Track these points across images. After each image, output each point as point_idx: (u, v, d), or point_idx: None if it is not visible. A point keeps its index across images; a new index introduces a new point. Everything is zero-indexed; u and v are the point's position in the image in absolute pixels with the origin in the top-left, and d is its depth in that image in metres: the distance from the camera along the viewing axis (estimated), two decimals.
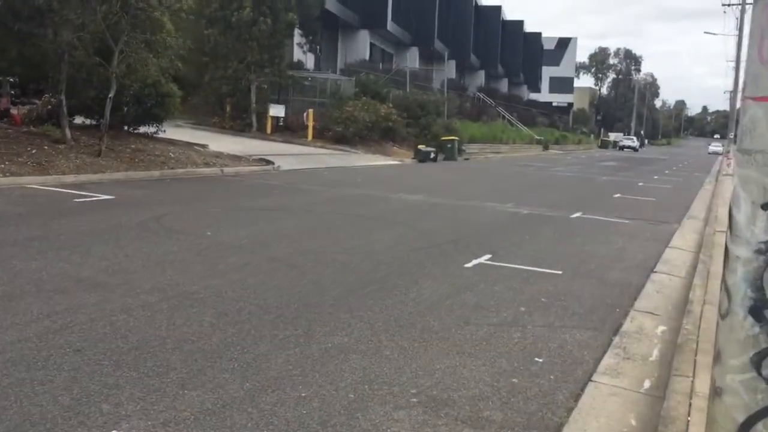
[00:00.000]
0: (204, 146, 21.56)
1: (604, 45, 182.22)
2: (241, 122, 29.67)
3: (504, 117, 60.55)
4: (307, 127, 29.87)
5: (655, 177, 30.67)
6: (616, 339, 5.71)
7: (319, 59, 42.25)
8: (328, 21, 41.97)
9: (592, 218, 13.75)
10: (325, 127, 30.09)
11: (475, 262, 8.40)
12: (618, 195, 19.77)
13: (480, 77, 69.27)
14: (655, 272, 8.75)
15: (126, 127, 19.74)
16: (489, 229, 11.40)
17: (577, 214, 14.14)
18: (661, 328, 6.17)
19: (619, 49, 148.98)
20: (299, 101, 32.16)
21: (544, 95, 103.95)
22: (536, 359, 5.06)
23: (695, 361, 4.92)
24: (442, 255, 8.71)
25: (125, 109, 18.91)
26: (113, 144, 17.53)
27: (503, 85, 75.57)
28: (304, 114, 29.91)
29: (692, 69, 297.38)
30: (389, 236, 9.87)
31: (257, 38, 27.90)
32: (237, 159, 20.65)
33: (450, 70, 60.84)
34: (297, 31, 34.98)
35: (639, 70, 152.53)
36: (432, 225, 11.21)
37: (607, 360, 5.17)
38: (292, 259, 7.76)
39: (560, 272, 8.21)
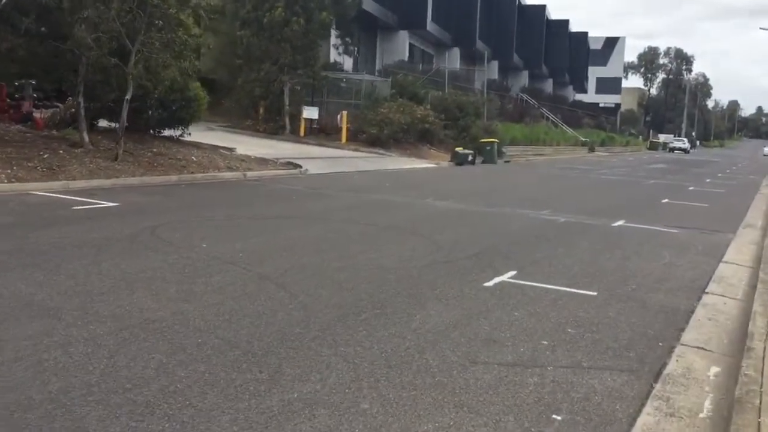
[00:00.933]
0: (231, 149, 20.89)
1: (653, 45, 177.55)
2: (274, 125, 29.02)
3: (548, 118, 58.93)
4: (341, 129, 29.06)
5: (707, 180, 29.04)
6: (658, 386, 4.64)
7: (357, 61, 41.47)
8: (366, 22, 41.22)
9: (636, 227, 12.55)
10: (360, 129, 29.25)
11: (496, 280, 7.38)
12: (666, 200, 18.43)
13: (523, 78, 67.70)
14: (707, 293, 7.60)
15: (151, 131, 19.21)
16: (518, 240, 10.34)
17: (620, 223, 12.96)
18: (715, 369, 5.07)
19: (669, 49, 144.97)
20: (334, 103, 31.40)
21: (591, 96, 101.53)
22: (554, 416, 4.04)
23: (759, 423, 3.84)
24: (460, 272, 7.71)
25: (150, 112, 18.39)
26: (134, 148, 16.95)
27: (548, 86, 73.78)
28: (338, 116, 29.12)
29: (746, 69, 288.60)
30: (404, 249, 8.90)
31: (290, 39, 27.21)
32: (264, 162, 19.92)
33: (492, 70, 59.49)
34: (333, 32, 34.26)
35: (690, 70, 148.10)
36: (455, 236, 10.20)
37: (645, 418, 4.12)
38: (286, 277, 6.85)
39: (595, 293, 7.14)
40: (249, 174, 17.40)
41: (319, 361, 4.63)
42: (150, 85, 16.73)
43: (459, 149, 29.40)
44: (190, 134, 19.64)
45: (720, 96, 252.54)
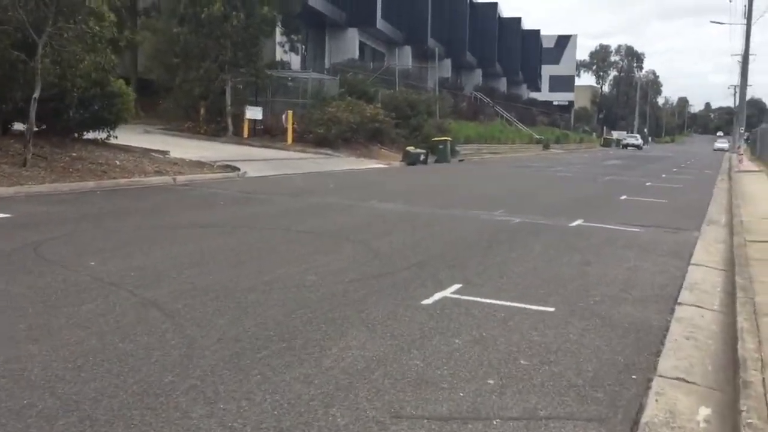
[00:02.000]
0: (164, 153, 19.45)
1: (605, 43, 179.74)
2: (215, 126, 27.55)
3: (502, 116, 58.39)
4: (286, 130, 27.73)
5: (663, 176, 28.49)
6: None
7: (305, 59, 40.17)
8: (314, 19, 39.98)
9: (595, 227, 11.57)
10: (307, 129, 27.97)
11: (438, 296, 6.25)
12: (624, 197, 17.59)
13: (477, 76, 67.13)
14: (680, 304, 6.58)
15: (75, 134, 17.65)
16: (468, 245, 9.23)
17: (578, 222, 11.98)
18: (704, 411, 3.99)
19: (620, 47, 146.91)
20: (281, 103, 30.03)
21: (545, 94, 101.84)
22: None
23: None
24: (396, 287, 6.55)
25: (70, 112, 16.86)
26: (51, 152, 15.44)
27: (502, 84, 73.39)
28: (283, 116, 27.78)
29: (694, 66, 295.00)
30: (336, 260, 7.71)
31: (230, 35, 25.79)
32: (199, 166, 18.54)
33: (445, 69, 58.78)
34: (278, 30, 32.91)
35: (641, 68, 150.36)
36: (397, 242, 9.05)
37: None
38: (179, 302, 5.60)
39: (552, 309, 6.05)
40: (179, 178, 16.01)
41: (185, 427, 3.40)
42: (67, 82, 15.27)
43: (410, 148, 28.35)
44: (116, 137, 18.11)
45: (670, 93, 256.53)
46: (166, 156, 19.11)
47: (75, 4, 13.34)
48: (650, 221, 12.73)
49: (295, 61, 38.22)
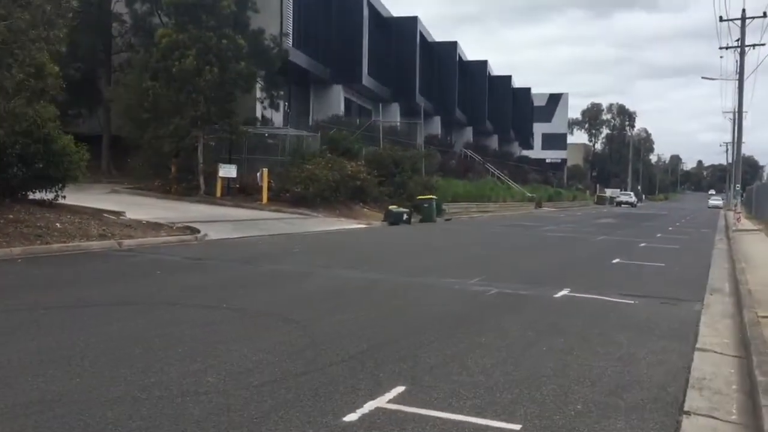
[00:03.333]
0: (119, 214, 18.03)
1: (596, 101, 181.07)
2: (186, 185, 26.21)
3: (493, 174, 57.36)
4: (262, 188, 26.38)
5: (659, 235, 27.09)
6: None
7: (288, 115, 39.16)
8: (297, 75, 39.13)
9: (583, 298, 10.08)
10: (284, 188, 26.64)
11: (369, 407, 4.72)
12: (617, 260, 16.12)
13: (468, 134, 66.41)
14: (688, 413, 5.05)
15: (19, 194, 16.25)
16: (429, 326, 7.69)
17: (564, 292, 10.49)
18: None
19: (612, 105, 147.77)
20: (259, 160, 28.74)
21: (537, 152, 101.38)
22: None
23: None
24: (318, 394, 5.00)
25: (11, 170, 15.49)
26: None
27: (493, 142, 72.69)
28: (258, 174, 26.47)
29: (685, 124, 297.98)
30: (255, 351, 6.16)
31: (202, 90, 24.67)
32: (155, 228, 17.06)
33: (434, 126, 58.07)
34: (259, 85, 31.91)
35: (633, 126, 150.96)
36: (344, 322, 7.52)
37: None
38: (3, 425, 4.05)
39: (518, 427, 4.51)
40: (126, 243, 14.50)
41: None
42: (5, 138, 13.99)
43: (393, 207, 27.00)
44: (64, 197, 16.69)
45: (662, 150, 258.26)
46: (121, 217, 17.67)
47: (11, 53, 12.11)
48: (646, 290, 11.25)
49: (277, 117, 37.19)
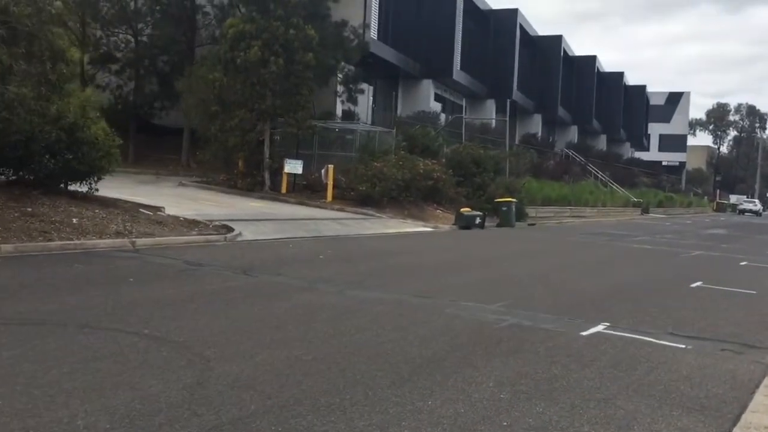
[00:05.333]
0: (158, 209, 17.26)
1: (722, 101, 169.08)
2: (252, 180, 25.43)
3: (596, 176, 53.86)
4: (327, 186, 25.19)
5: None
6: None
7: (373, 110, 37.94)
8: (384, 69, 37.85)
9: (618, 338, 8.08)
10: (350, 186, 25.33)
11: None
12: (699, 283, 13.65)
13: (572, 133, 62.95)
14: None
15: (57, 184, 15.76)
16: (371, 377, 6.01)
17: (597, 328, 8.51)
18: None
19: (740, 105, 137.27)
20: (331, 156, 27.51)
21: (654, 154, 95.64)
22: None
23: None
24: None
25: (42, 161, 14.95)
26: (5, 206, 13.46)
27: (600, 142, 68.66)
28: (323, 170, 25.30)
29: None
30: (95, 409, 4.74)
31: (267, 82, 23.76)
32: (189, 226, 16.14)
33: (534, 124, 55.32)
34: (339, 78, 30.85)
35: (764, 128, 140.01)
36: (258, 366, 6.00)
37: None
38: None
39: None
40: (141, 242, 13.55)
41: None
42: (31, 127, 13.43)
43: (465, 210, 25.10)
44: (97, 190, 16.06)
45: None
46: (158, 213, 16.87)
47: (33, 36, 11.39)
48: (711, 329, 9.04)
49: (362, 113, 36.03)
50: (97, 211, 15.20)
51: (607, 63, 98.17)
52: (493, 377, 6.13)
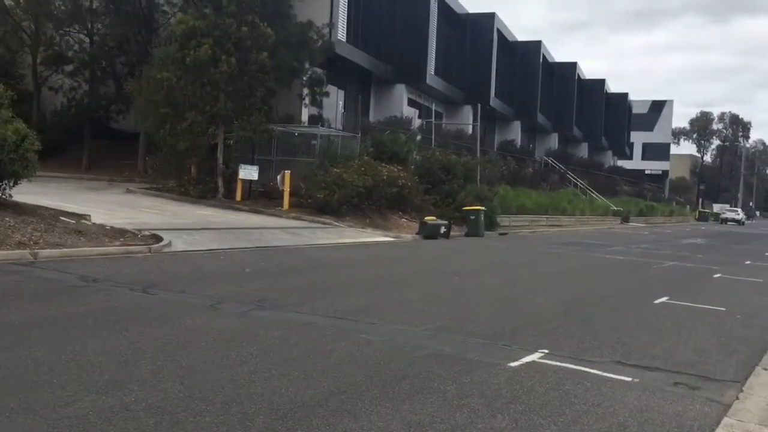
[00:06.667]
0: (83, 217, 15.89)
1: (706, 110, 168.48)
2: (204, 187, 24.04)
3: (576, 185, 52.79)
4: (283, 193, 23.83)
5: (747, 262, 22.69)
6: None
7: (341, 115, 36.62)
8: (356, 73, 36.61)
9: (554, 369, 6.83)
10: (310, 193, 23.98)
11: None
12: (664, 299, 12.42)
13: (552, 141, 61.94)
14: None
15: None
16: (256, 426, 4.69)
17: (532, 357, 7.26)
18: None
19: (724, 114, 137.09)
20: (290, 162, 26.14)
21: (637, 162, 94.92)
22: None
23: None
24: None
25: None
26: None
27: (582, 150, 67.69)
28: (278, 177, 23.94)
29: None
30: None
31: (218, 83, 22.42)
32: (112, 236, 14.73)
33: (513, 131, 54.24)
34: (304, 81, 29.50)
35: (747, 137, 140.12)
36: (116, 410, 4.66)
37: None
38: None
39: None
40: (46, 253, 12.11)
41: None
42: None
43: (429, 219, 23.82)
44: (11, 195, 14.65)
45: None
46: (82, 221, 15.48)
47: None
48: (667, 355, 7.81)
49: (332, 117, 34.70)
50: (7, 219, 13.77)
51: (593, 72, 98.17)
52: (375, 430, 4.83)
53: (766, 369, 7.65)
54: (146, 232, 15.50)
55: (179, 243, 15.08)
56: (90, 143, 31.82)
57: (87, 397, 5.09)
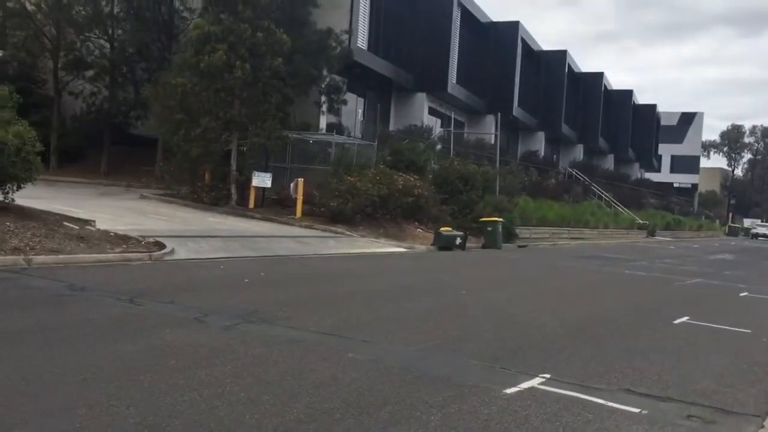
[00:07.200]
0: (87, 222, 15.63)
1: (737, 123, 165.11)
2: (217, 194, 23.73)
3: (600, 197, 51.79)
4: (296, 200, 23.42)
5: None
6: None
7: (362, 124, 36.24)
8: (376, 81, 36.23)
9: (553, 395, 6.28)
10: (323, 201, 23.54)
11: None
12: (684, 319, 11.72)
13: (578, 152, 60.97)
14: None
15: None
16: None
17: (531, 383, 6.70)
18: None
19: (755, 127, 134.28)
20: (306, 170, 25.76)
21: (665, 175, 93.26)
22: None
23: None
24: None
25: None
26: None
27: (607, 162, 66.57)
28: (292, 184, 23.54)
29: None
30: None
31: (232, 89, 22.12)
32: (115, 242, 14.42)
33: (537, 142, 53.46)
34: (322, 88, 29.15)
35: None
36: None
37: None
38: None
39: None
40: (40, 259, 11.81)
41: None
42: None
43: (444, 230, 23.26)
44: (13, 199, 14.40)
45: None
46: (85, 227, 15.19)
47: None
48: (682, 382, 7.18)
49: (351, 125, 34.34)
50: (7, 223, 13.50)
51: (622, 84, 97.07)
52: None
53: None
54: (150, 239, 15.17)
55: (182, 251, 14.71)
56: (109, 149, 31.76)
57: (34, 420, 4.65)
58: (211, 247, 15.76)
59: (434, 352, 7.69)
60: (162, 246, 14.57)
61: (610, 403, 6.26)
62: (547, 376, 6.99)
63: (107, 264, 12.53)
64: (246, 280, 12.01)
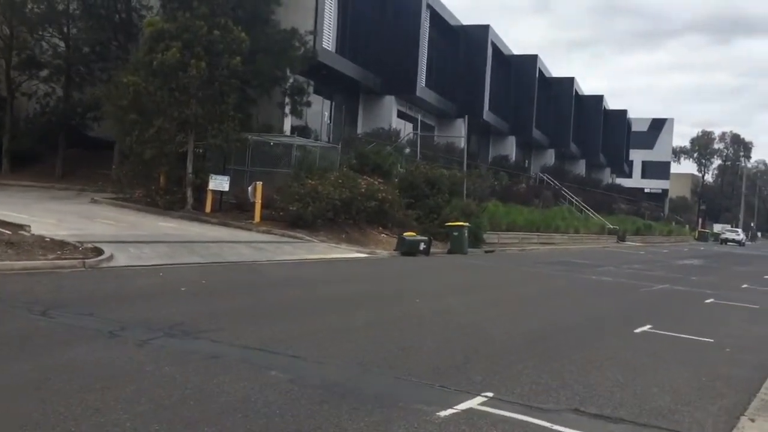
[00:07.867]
0: (21, 227, 14.72)
1: (708, 129, 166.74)
2: (171, 198, 22.84)
3: (571, 202, 51.52)
4: (254, 205, 22.61)
5: (744, 285, 21.44)
6: None
7: (329, 127, 35.49)
8: (344, 84, 35.50)
9: (493, 417, 5.64)
10: (283, 206, 22.76)
11: None
12: (646, 327, 11.16)
13: (549, 157, 60.75)
14: None
15: None
16: None
17: (470, 403, 6.03)
18: None
19: (725, 133, 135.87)
20: (266, 173, 24.88)
21: (636, 180, 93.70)
22: None
23: None
24: None
25: None
26: None
27: (579, 167, 66.45)
28: (249, 188, 22.73)
29: None
30: None
31: (186, 88, 21.29)
32: (50, 248, 13.51)
33: (508, 146, 53.09)
34: (286, 88, 28.35)
35: (749, 157, 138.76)
36: None
37: None
38: None
39: None
40: None
41: None
42: None
43: (408, 235, 22.59)
44: None
45: None
46: (19, 233, 14.27)
47: None
48: (636, 400, 6.57)
49: (318, 128, 33.57)
50: None
51: (595, 90, 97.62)
52: None
53: (752, 420, 6.40)
54: (89, 245, 14.28)
55: (122, 257, 13.86)
56: (65, 151, 30.66)
57: None
58: (155, 253, 14.92)
59: (371, 368, 7.01)
60: (100, 252, 13.71)
61: (555, 426, 5.63)
62: (490, 394, 6.35)
63: (34, 272, 11.65)
64: (183, 289, 11.23)
